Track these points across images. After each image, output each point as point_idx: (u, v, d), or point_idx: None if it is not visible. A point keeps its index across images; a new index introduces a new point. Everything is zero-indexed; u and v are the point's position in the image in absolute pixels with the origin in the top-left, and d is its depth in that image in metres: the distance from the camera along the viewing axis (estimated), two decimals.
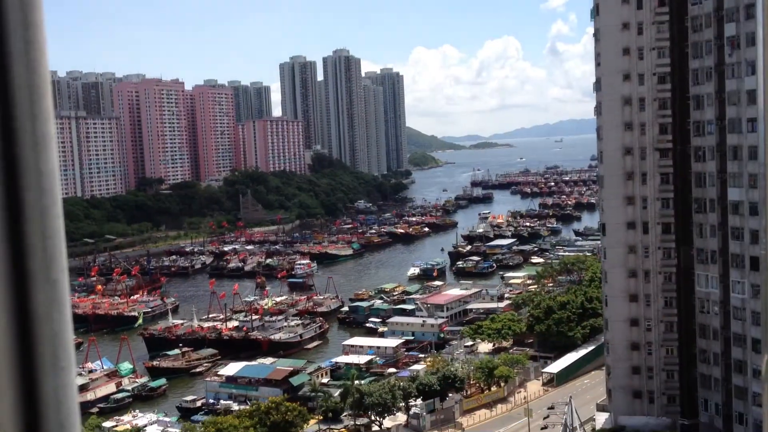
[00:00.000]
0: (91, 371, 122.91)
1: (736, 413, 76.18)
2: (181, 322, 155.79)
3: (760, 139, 3.09)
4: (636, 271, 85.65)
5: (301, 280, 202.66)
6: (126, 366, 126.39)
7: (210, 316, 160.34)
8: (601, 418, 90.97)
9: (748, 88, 73.84)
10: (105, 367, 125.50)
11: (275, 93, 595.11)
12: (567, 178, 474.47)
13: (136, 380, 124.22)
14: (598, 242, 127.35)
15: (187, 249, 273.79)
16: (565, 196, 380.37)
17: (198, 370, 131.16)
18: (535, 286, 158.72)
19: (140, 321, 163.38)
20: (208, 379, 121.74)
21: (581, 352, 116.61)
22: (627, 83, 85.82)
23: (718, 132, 77.97)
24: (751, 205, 73.32)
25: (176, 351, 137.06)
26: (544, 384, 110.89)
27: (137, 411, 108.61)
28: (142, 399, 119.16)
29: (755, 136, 72.85)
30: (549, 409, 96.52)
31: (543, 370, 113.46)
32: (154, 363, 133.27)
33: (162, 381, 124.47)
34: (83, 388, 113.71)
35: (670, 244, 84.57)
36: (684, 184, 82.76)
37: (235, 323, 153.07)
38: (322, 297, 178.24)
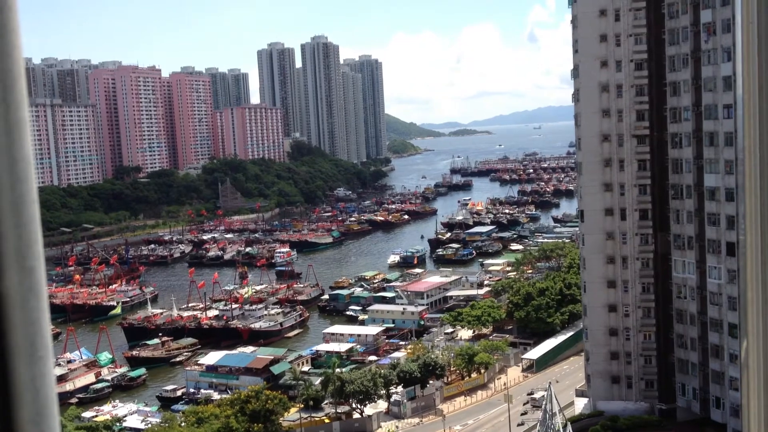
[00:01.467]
0: (69, 361, 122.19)
1: (713, 397, 77.12)
2: (161, 311, 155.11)
3: (739, 124, 3.13)
4: (614, 257, 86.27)
5: (288, 268, 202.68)
6: (105, 356, 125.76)
7: (189, 305, 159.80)
8: (580, 404, 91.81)
9: (724, 75, 74.38)
10: (84, 358, 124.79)
11: (253, 80, 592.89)
12: (545, 165, 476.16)
13: (116, 370, 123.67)
14: (577, 229, 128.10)
15: (166, 238, 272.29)
16: (543, 183, 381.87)
17: (178, 359, 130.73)
18: (515, 273, 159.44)
19: (119, 311, 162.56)
20: (188, 368, 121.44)
21: (560, 338, 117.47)
22: (604, 70, 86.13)
23: (694, 118, 78.50)
24: (727, 191, 74.01)
25: (156, 340, 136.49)
26: (523, 370, 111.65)
27: (117, 401, 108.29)
28: (122, 389, 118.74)
29: (731, 123, 73.47)
30: (528, 395, 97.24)
31: (523, 357, 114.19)
32: (134, 353, 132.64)
33: (141, 371, 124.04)
34: (62, 379, 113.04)
35: (647, 230, 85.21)
36: (661, 171, 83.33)
37: (215, 312, 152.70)
38: (302, 285, 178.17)
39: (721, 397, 75.90)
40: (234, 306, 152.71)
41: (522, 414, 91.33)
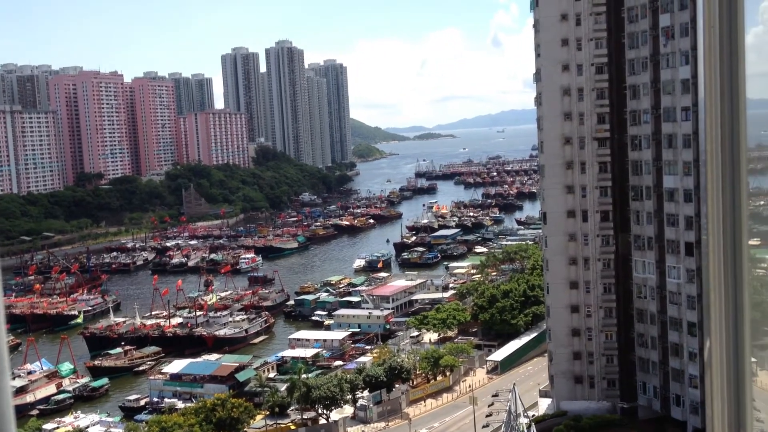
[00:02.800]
0: (30, 372, 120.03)
1: (673, 395, 78.15)
2: (123, 320, 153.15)
3: (701, 127, 3.16)
4: (576, 259, 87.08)
5: (259, 274, 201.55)
6: (66, 366, 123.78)
7: (153, 313, 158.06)
8: (544, 404, 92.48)
9: (682, 78, 75.53)
10: (44, 368, 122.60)
11: (217, 85, 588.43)
12: (509, 168, 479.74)
13: (77, 380, 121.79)
14: (540, 231, 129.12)
15: (129, 245, 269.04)
16: (507, 186, 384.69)
17: (141, 368, 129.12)
18: (479, 276, 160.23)
19: (80, 320, 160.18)
20: (151, 377, 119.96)
21: (524, 340, 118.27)
22: (566, 74, 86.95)
23: (653, 121, 79.57)
24: (685, 192, 75.16)
25: (118, 350, 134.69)
26: (488, 372, 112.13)
27: (79, 412, 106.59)
28: (84, 399, 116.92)
29: (689, 125, 74.69)
30: (493, 396, 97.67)
31: (487, 359, 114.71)
32: (96, 362, 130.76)
33: (104, 381, 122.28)
34: (22, 390, 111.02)
35: (608, 231, 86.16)
36: (621, 173, 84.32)
37: (179, 320, 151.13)
38: (267, 291, 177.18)
39: (681, 395, 76.95)
40: (198, 313, 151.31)
41: (487, 416, 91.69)
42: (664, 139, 77.77)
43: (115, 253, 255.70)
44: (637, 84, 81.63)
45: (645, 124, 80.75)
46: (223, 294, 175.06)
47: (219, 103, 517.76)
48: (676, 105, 76.35)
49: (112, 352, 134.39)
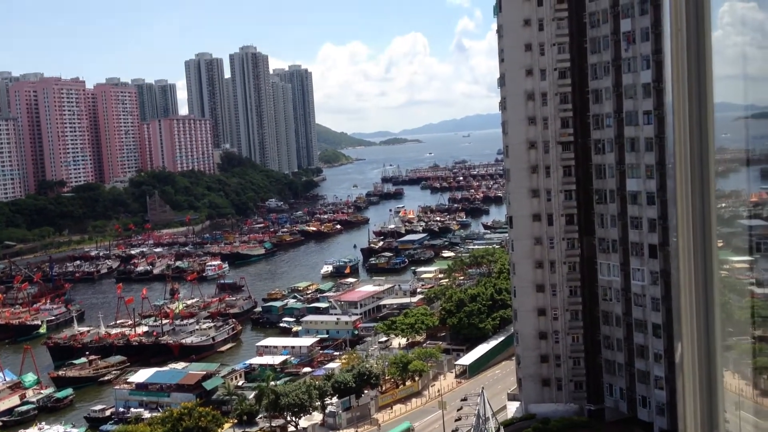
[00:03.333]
0: None
1: (639, 397, 78.96)
2: (88, 329, 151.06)
3: (669, 131, 3.17)
4: (542, 262, 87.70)
5: (230, 281, 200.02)
6: (30, 377, 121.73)
7: (118, 322, 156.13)
8: (513, 407, 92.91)
9: (643, 82, 76.52)
10: (7, 379, 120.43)
11: (181, 91, 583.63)
12: (475, 173, 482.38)
13: (41, 391, 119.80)
14: (506, 235, 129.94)
15: (92, 253, 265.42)
16: (473, 190, 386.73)
17: (106, 378, 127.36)
18: (447, 280, 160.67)
19: (44, 330, 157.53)
20: (117, 387, 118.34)
21: (492, 343, 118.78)
22: (530, 78, 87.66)
23: (616, 125, 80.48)
24: (648, 195, 76.09)
25: (83, 359, 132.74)
26: (457, 376, 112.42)
27: (43, 423, 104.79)
28: (48, 410, 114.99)
29: (651, 129, 75.68)
30: (462, 400, 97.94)
31: (456, 363, 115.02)
32: (60, 373, 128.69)
33: (68, 391, 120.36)
34: None
35: (573, 234, 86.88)
36: (585, 176, 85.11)
37: (145, 328, 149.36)
38: (234, 298, 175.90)
39: (647, 396, 77.78)
40: (164, 321, 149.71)
41: (456, 420, 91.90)
42: (627, 142, 78.68)
43: (78, 262, 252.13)
44: (599, 88, 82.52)
45: (608, 128, 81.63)
46: (189, 302, 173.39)
47: (183, 110, 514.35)
48: (638, 109, 77.31)
49: (76, 362, 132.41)
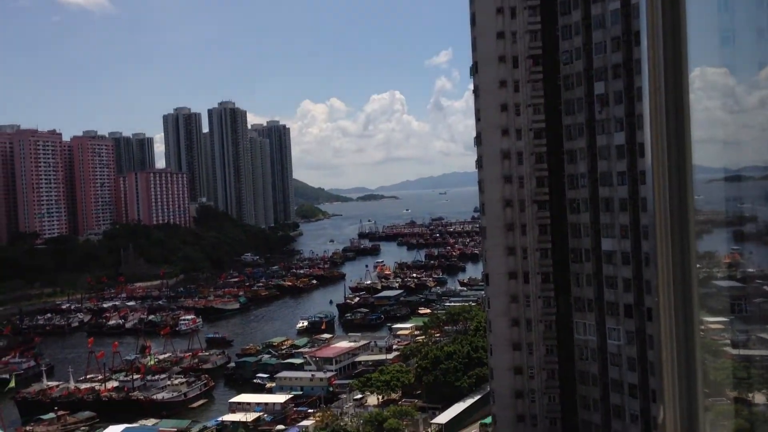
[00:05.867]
0: None
1: None
2: (57, 383, 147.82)
3: (648, 193, 3.19)
4: (518, 320, 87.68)
5: (219, 335, 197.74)
6: None
7: (88, 376, 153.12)
8: None
9: (617, 143, 77.91)
10: None
11: (159, 144, 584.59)
12: (452, 230, 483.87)
13: None
14: (482, 292, 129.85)
15: (64, 306, 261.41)
16: (450, 247, 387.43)
17: None
18: (423, 337, 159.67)
19: (12, 384, 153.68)
20: None
21: (468, 402, 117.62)
22: (506, 138, 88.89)
23: (590, 184, 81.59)
24: (623, 255, 76.75)
25: (51, 415, 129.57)
26: None
27: None
28: None
29: (625, 189, 76.75)
30: None
31: (432, 421, 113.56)
32: (28, 428, 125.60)
33: None
34: None
35: (549, 292, 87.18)
36: (561, 235, 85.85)
37: (115, 383, 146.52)
38: (207, 353, 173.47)
39: None
40: (135, 376, 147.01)
41: None
42: (602, 202, 79.67)
43: (49, 315, 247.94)
44: (574, 149, 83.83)
45: (583, 188, 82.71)
46: (161, 356, 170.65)
47: (160, 163, 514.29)
48: (612, 169, 78.50)
49: (44, 417, 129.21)
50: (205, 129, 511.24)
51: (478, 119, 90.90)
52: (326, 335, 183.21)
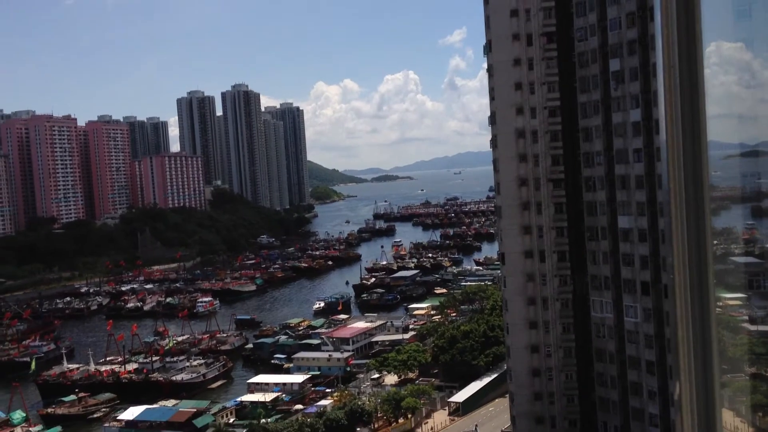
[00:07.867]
0: None
1: None
2: (77, 366, 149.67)
3: (663, 169, 3.18)
4: (535, 299, 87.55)
5: (249, 317, 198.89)
6: (18, 414, 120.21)
7: (108, 359, 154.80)
8: None
9: (633, 121, 77.22)
10: None
11: (173, 128, 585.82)
12: (467, 209, 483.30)
13: (30, 429, 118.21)
14: (498, 271, 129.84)
15: (83, 290, 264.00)
16: (465, 227, 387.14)
17: (96, 415, 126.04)
18: (439, 317, 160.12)
19: (33, 367, 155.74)
20: (106, 424, 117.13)
21: (485, 381, 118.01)
22: (520, 117, 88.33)
23: (606, 162, 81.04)
24: (640, 232, 76.32)
25: (72, 397, 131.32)
26: (450, 413, 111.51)
27: None
28: None
29: (641, 166, 76.17)
30: None
31: (449, 400, 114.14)
32: (49, 410, 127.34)
33: (57, 429, 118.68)
34: None
35: (566, 271, 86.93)
36: (577, 213, 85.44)
37: (135, 365, 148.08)
38: (225, 335, 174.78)
39: None
40: (155, 358, 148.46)
41: None
42: (618, 180, 79.16)
43: (68, 298, 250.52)
44: (589, 127, 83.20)
45: (598, 166, 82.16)
46: (180, 338, 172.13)
47: (175, 146, 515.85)
48: (628, 147, 77.88)
49: (65, 399, 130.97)
50: (219, 112, 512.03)
51: (492, 98, 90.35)
52: (343, 316, 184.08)
